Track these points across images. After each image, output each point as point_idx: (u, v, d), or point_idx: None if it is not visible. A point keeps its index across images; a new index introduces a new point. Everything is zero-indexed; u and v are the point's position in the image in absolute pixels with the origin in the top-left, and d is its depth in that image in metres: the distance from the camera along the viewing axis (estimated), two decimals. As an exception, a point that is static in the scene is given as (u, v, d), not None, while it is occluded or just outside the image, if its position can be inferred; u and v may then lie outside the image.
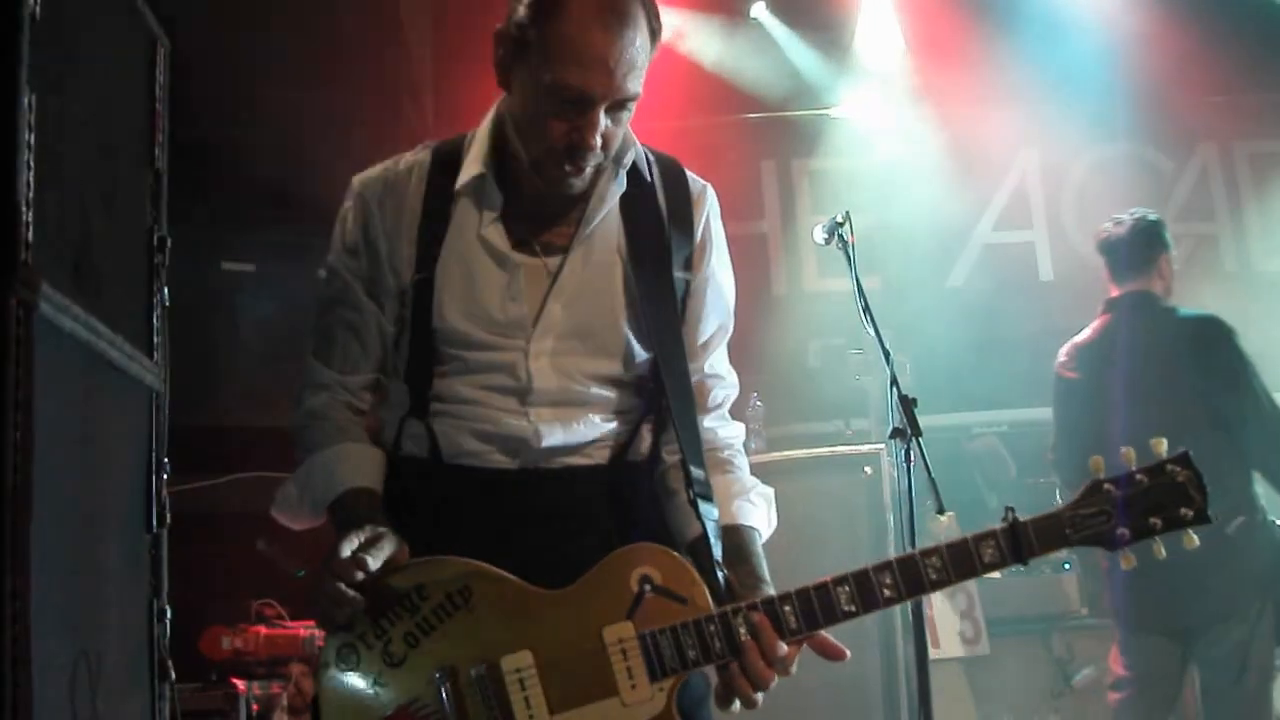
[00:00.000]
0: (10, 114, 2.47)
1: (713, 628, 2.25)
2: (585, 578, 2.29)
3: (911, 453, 3.93)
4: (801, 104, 8.28)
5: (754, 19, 8.24)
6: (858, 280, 4.19)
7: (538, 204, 2.48)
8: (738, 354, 2.71)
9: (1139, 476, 2.29)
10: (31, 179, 2.49)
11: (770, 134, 8.31)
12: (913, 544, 3.92)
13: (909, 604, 3.95)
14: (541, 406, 2.45)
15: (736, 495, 2.54)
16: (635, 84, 2.32)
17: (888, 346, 4.05)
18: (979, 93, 7.95)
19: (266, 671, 4.63)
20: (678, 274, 2.54)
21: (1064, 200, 8.34)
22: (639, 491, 2.56)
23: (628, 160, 2.49)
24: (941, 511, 3.76)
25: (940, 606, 6.22)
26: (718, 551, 2.41)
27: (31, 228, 2.48)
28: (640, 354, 2.52)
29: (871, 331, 4.10)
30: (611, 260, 2.51)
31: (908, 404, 3.89)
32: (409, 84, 7.30)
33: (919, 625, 3.92)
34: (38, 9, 2.56)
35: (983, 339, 7.57)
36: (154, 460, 3.28)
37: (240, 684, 4.45)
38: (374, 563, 2.20)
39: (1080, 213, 8.29)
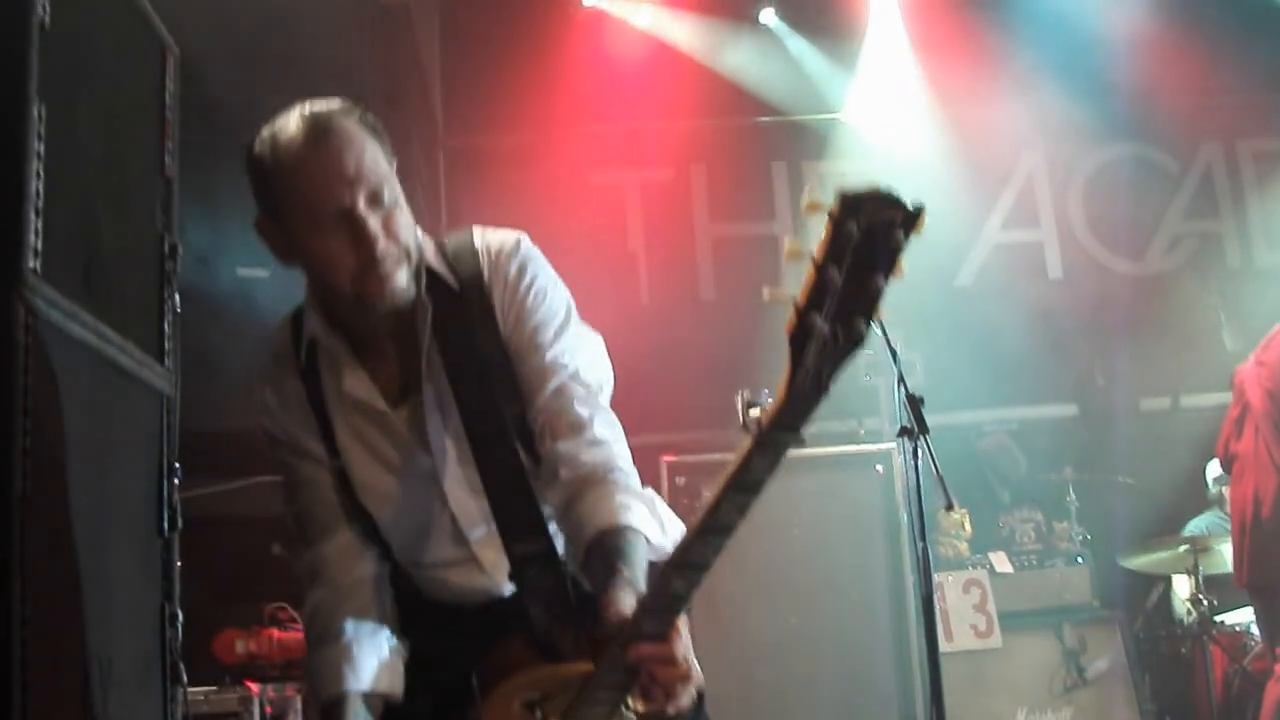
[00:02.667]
0: (20, 123, 2.50)
1: (600, 677, 2.11)
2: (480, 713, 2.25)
3: (919, 450, 3.93)
4: (810, 107, 8.31)
5: (763, 24, 8.29)
6: (863, 279, 4.20)
7: (375, 354, 2.45)
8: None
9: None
10: (41, 187, 2.51)
11: (780, 136, 8.33)
12: (923, 539, 3.94)
13: (920, 597, 3.99)
14: (480, 543, 2.45)
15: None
16: (374, 171, 2.29)
17: (895, 346, 4.05)
18: (985, 94, 7.98)
19: (280, 674, 4.64)
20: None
21: (1071, 199, 8.36)
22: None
23: (424, 279, 2.39)
24: (950, 508, 3.77)
25: (953, 599, 6.22)
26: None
27: (41, 235, 2.50)
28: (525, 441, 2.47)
29: (878, 331, 4.11)
30: (456, 378, 2.44)
31: (915, 402, 3.89)
32: (420, 87, 7.33)
33: (930, 618, 3.92)
34: (47, 19, 2.58)
35: (993, 338, 7.59)
36: (165, 465, 3.30)
37: (254, 687, 4.46)
38: None
39: (1088, 212, 8.32)
